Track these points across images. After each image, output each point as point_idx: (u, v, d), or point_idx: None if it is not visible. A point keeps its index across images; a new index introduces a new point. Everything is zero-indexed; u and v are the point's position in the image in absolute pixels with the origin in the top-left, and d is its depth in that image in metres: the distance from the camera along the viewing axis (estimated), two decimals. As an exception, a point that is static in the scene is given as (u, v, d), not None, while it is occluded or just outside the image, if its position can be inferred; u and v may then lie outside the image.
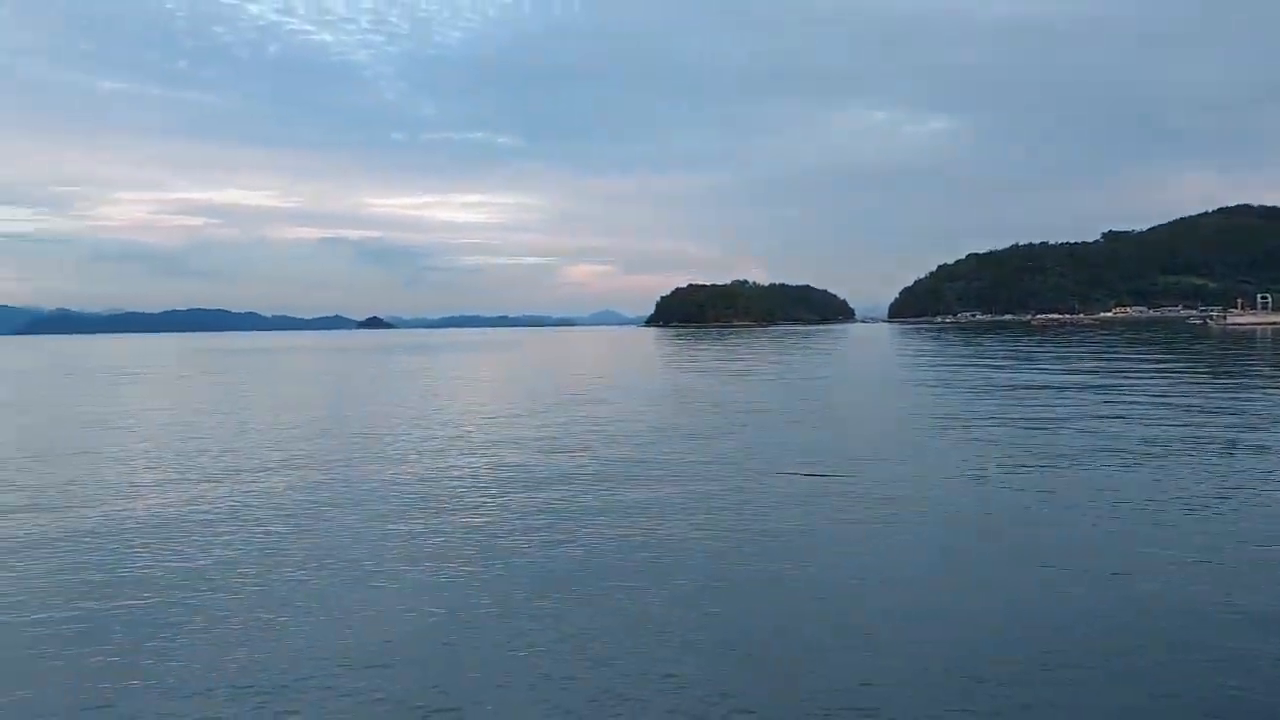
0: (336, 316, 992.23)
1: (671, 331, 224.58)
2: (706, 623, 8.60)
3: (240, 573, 10.65)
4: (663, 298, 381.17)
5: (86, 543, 12.16)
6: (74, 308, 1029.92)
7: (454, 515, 13.51)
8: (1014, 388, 34.27)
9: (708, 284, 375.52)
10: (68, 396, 42.21)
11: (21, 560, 11.33)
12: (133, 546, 11.98)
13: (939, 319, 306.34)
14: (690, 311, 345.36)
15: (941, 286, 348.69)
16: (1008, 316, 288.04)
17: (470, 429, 24.67)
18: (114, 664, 7.95)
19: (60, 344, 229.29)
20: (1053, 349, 69.06)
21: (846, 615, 8.77)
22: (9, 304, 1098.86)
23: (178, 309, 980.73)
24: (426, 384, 46.43)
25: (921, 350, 73.88)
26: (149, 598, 9.78)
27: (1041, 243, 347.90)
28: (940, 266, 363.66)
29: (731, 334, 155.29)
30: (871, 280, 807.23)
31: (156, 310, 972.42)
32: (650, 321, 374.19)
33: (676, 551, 11.12)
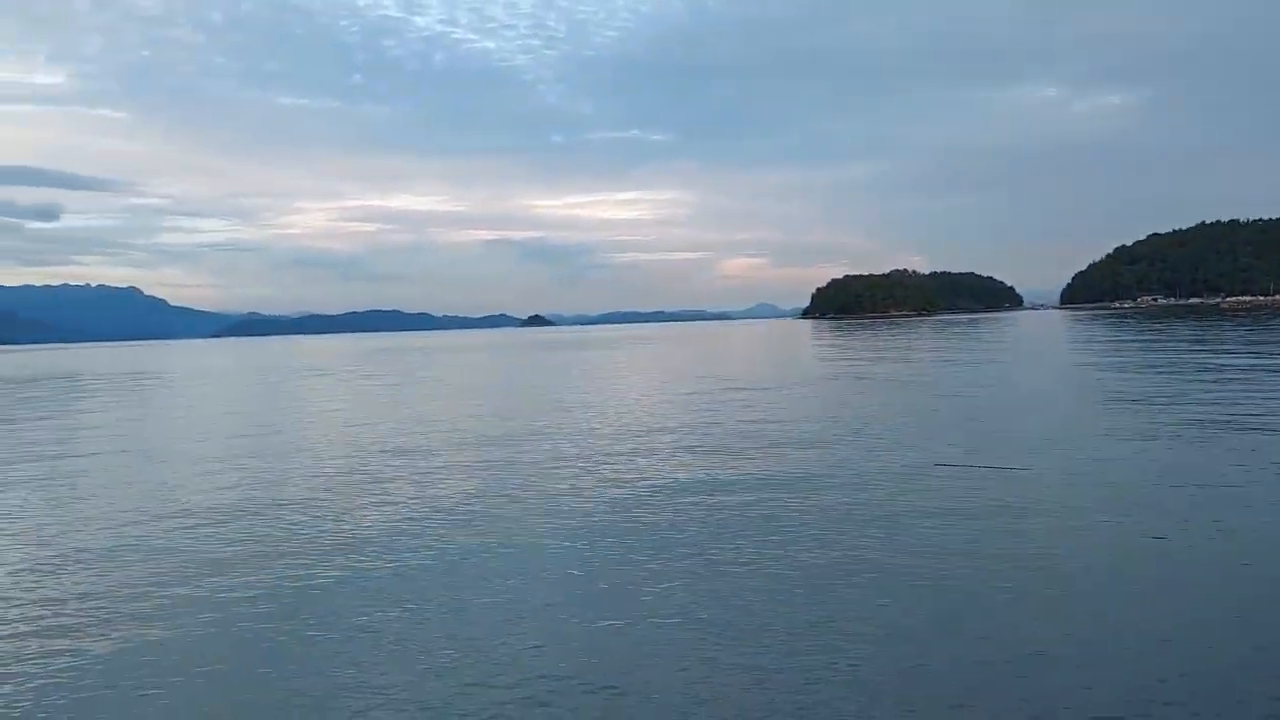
0: (501, 315, 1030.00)
1: (829, 323, 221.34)
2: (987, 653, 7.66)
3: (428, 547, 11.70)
4: (818, 289, 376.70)
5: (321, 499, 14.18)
6: (264, 311, 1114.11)
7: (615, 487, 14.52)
8: None
9: (864, 274, 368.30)
10: (270, 392, 46.70)
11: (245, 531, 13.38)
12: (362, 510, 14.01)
13: (1117, 304, 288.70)
14: (847, 303, 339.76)
15: (1119, 269, 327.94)
16: (1194, 300, 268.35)
17: (662, 419, 25.51)
18: (311, 621, 9.01)
19: (255, 345, 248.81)
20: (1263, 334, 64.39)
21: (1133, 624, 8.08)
22: (207, 309, 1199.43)
23: (356, 310, 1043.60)
24: (605, 377, 48.44)
25: (1118, 340, 67.12)
26: (332, 562, 11.11)
27: (1230, 220, 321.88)
28: (1118, 248, 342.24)
29: (890, 325, 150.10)
30: (1040, 265, 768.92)
31: (337, 312, 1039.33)
32: (806, 313, 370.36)
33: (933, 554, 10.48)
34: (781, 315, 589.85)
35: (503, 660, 7.89)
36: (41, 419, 34.62)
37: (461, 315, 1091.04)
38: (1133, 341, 62.19)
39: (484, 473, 17.40)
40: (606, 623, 8.73)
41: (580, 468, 17.55)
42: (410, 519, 13.44)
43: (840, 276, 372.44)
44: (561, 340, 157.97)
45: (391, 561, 11.10)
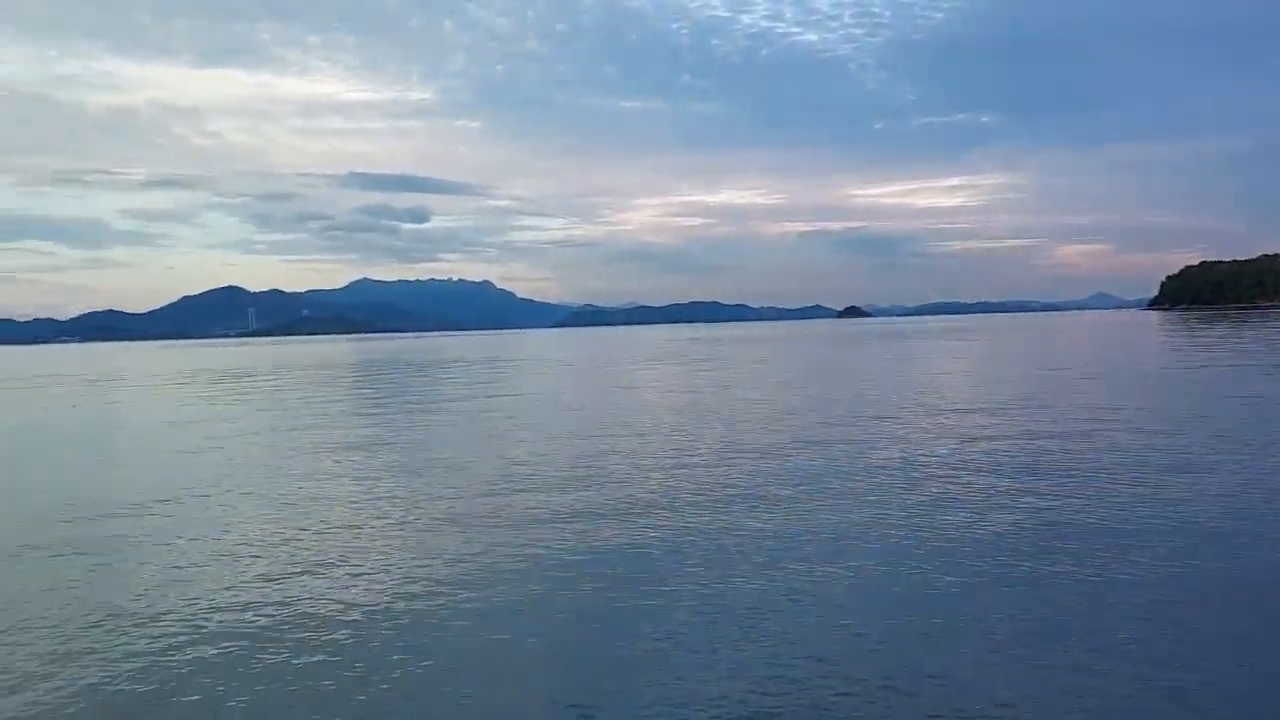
0: (816, 306, 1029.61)
1: (1180, 315, 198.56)
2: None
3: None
4: (1169, 278, 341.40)
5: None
6: (598, 303, 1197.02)
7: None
8: None
9: (1225, 260, 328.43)
10: (658, 377, 56.15)
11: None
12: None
13: None
14: (1203, 292, 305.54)
15: None
16: None
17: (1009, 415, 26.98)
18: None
19: (595, 334, 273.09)
20: None
21: None
22: (549, 301, 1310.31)
23: (679, 302, 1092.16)
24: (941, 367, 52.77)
25: None
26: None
27: None
28: None
29: (1263, 318, 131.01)
30: None
31: (662, 304, 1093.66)
32: (1153, 304, 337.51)
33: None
34: (1124, 306, 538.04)
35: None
36: (491, 394, 45.79)
37: (778, 306, 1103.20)
38: None
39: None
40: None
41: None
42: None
43: (1196, 263, 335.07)
44: (892, 331, 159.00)
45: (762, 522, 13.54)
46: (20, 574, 12.21)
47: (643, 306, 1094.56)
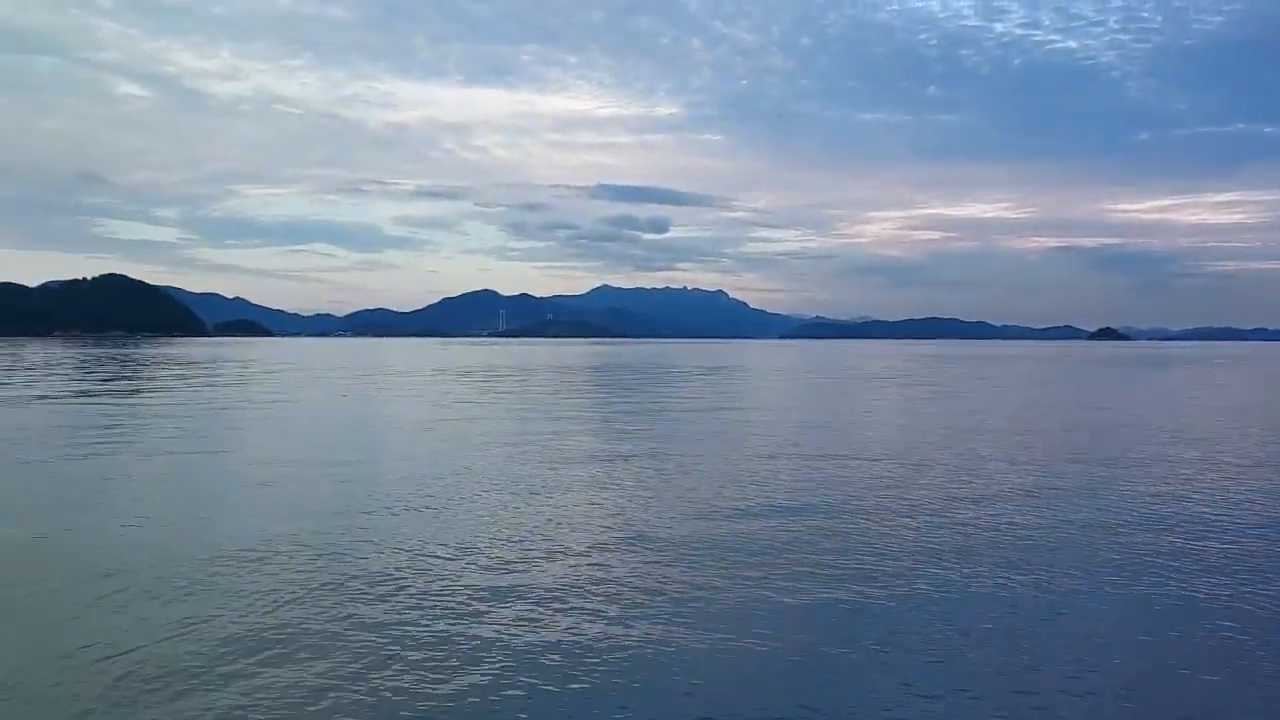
0: (1066, 326, 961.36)
1: None
2: None
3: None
4: None
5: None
6: (829, 315, 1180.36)
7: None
8: None
9: None
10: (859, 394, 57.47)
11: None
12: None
13: None
14: None
15: None
16: None
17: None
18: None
19: (822, 346, 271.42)
20: None
21: None
22: (779, 312, 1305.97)
23: (914, 317, 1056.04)
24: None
25: None
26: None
27: None
28: None
29: None
30: None
31: (896, 318, 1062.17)
32: None
33: None
34: None
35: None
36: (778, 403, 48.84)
37: (1022, 325, 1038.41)
38: None
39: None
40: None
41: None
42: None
43: None
44: (1166, 356, 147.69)
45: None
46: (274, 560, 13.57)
47: (875, 320, 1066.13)
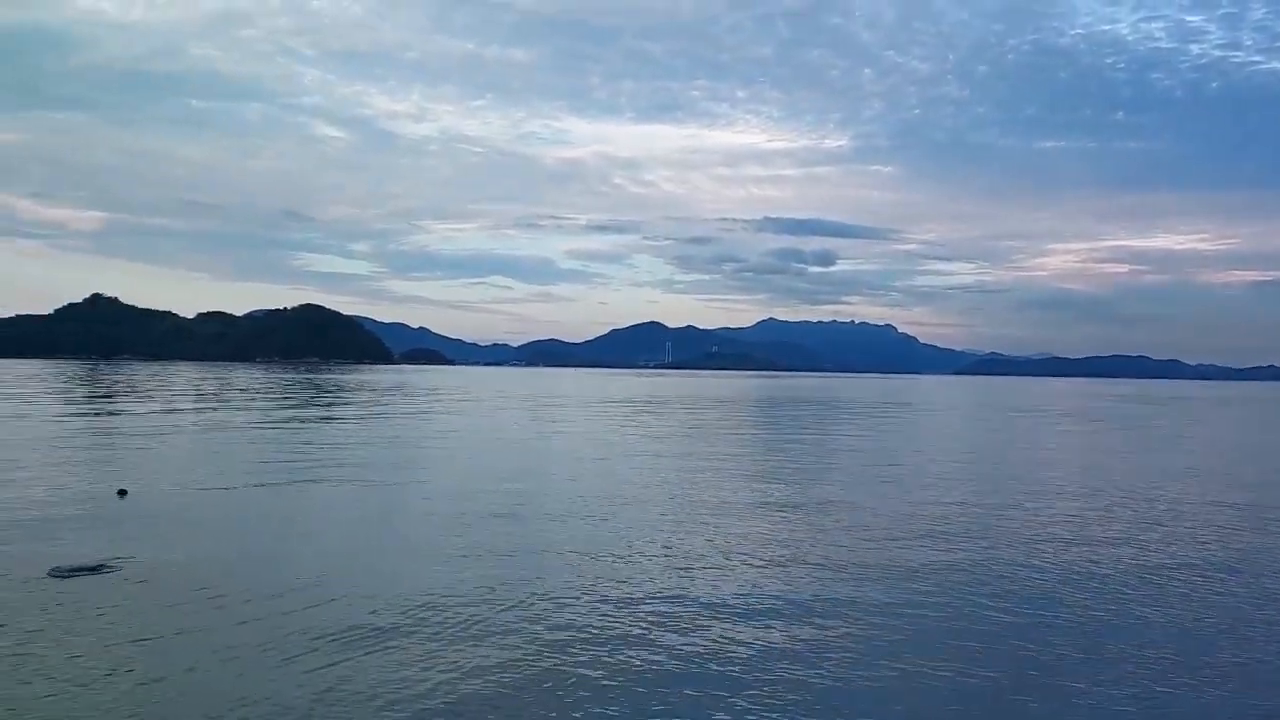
0: (1271, 367, 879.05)
1: None
2: None
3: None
4: None
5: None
6: (1004, 352, 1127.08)
7: None
8: None
9: None
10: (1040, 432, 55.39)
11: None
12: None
13: None
14: None
15: None
16: None
17: None
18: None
19: (1000, 383, 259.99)
20: None
21: None
22: (952, 348, 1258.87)
23: (1099, 355, 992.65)
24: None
25: None
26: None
27: None
28: None
29: None
30: None
31: (1078, 355, 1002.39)
32: None
33: None
34: None
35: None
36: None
37: (1220, 365, 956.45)
38: None
39: None
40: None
41: None
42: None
43: None
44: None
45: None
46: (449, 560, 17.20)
47: (1055, 357, 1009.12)
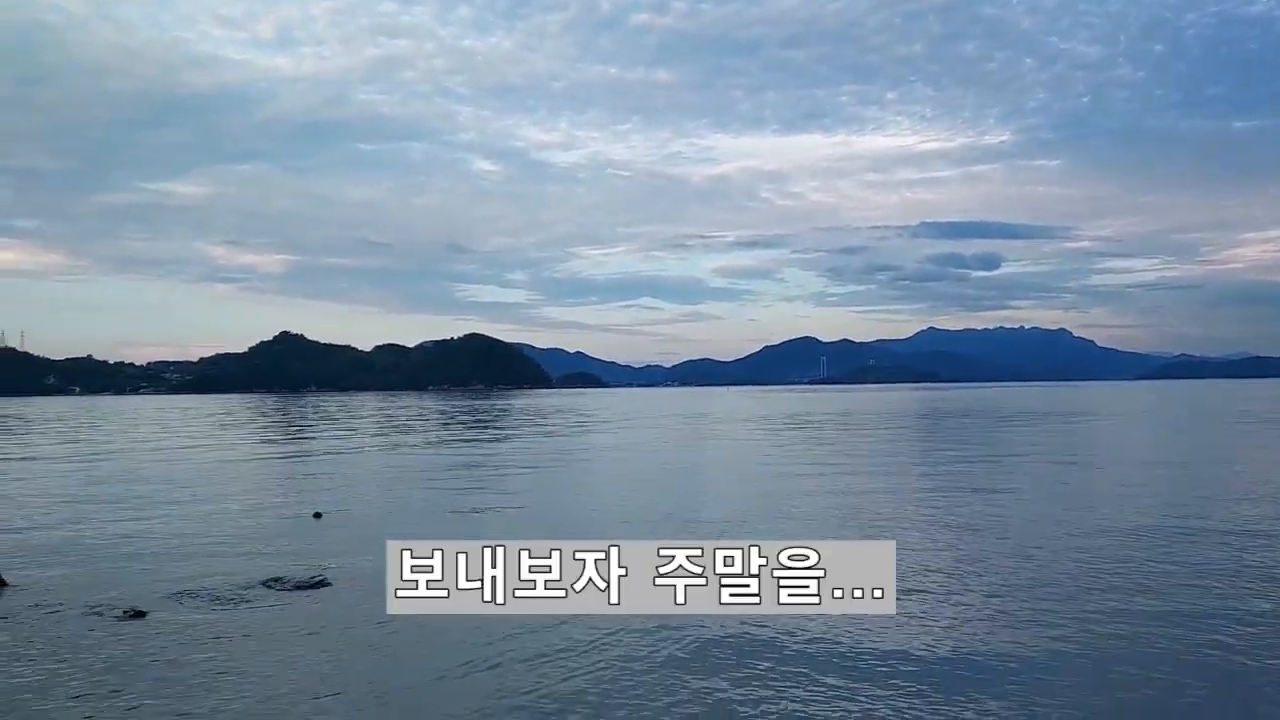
0: None
1: None
2: None
3: None
4: None
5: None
6: (1196, 352, 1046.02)
7: None
8: None
9: None
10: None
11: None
12: None
13: None
14: None
15: None
16: None
17: None
18: None
19: (1199, 387, 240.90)
20: None
21: None
22: (1135, 350, 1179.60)
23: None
24: None
25: None
26: None
27: None
28: None
29: None
30: None
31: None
32: None
33: None
34: None
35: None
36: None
37: None
38: None
39: None
40: None
41: None
42: None
43: None
44: None
45: None
46: None
47: (1256, 357, 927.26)
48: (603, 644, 10.86)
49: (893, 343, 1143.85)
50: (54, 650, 10.88)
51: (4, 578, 14.00)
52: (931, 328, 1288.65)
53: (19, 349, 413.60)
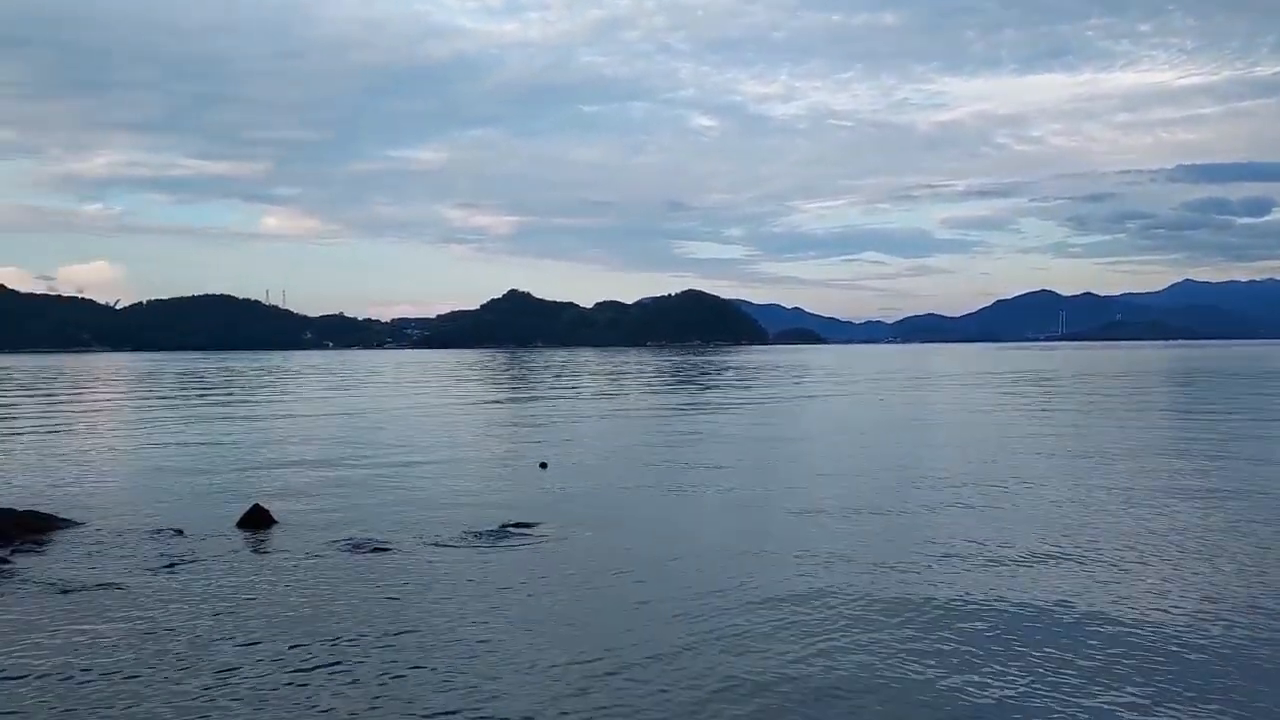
0: None
1: None
2: None
3: None
4: None
5: None
6: None
7: None
8: None
9: None
10: None
11: None
12: None
13: None
14: None
15: None
16: None
17: None
18: None
19: None
20: None
21: None
22: None
23: None
24: None
25: None
26: None
27: None
28: None
29: None
30: None
31: None
32: None
33: None
34: None
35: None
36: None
37: None
38: None
39: None
40: None
41: None
42: None
43: None
44: None
45: None
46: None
47: None
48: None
49: (1143, 296, 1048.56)
50: (317, 579, 12.11)
51: (274, 516, 15.57)
52: (1188, 280, 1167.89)
53: (281, 306, 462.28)
